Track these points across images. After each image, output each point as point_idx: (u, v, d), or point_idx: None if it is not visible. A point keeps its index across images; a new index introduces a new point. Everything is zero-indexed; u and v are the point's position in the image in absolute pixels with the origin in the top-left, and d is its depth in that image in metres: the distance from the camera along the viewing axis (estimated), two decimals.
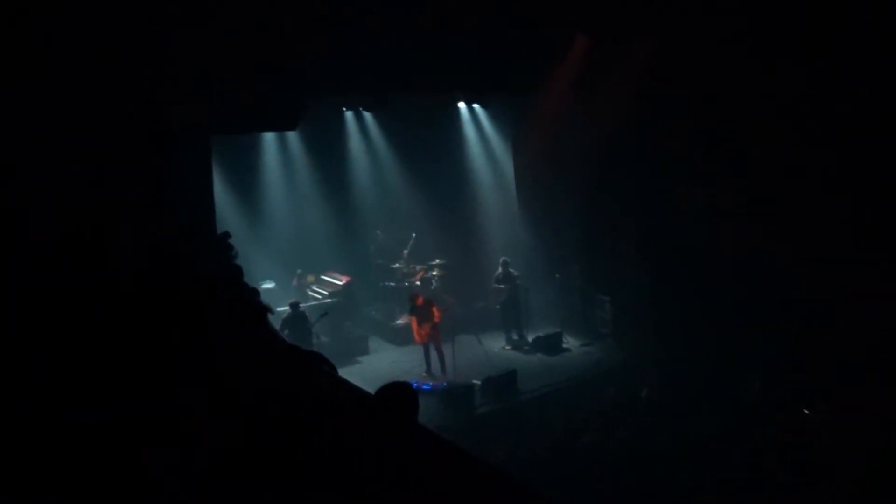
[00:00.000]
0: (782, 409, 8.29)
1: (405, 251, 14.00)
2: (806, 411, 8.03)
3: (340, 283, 13.49)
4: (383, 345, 13.47)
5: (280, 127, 11.59)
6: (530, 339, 13.06)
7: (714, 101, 10.03)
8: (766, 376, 9.15)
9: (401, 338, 13.34)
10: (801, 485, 6.27)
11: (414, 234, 14.05)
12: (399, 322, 13.70)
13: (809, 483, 6.21)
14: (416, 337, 11.37)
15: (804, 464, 6.61)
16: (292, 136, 13.43)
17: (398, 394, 3.42)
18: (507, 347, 13.07)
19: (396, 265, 14.08)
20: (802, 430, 7.56)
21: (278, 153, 13.55)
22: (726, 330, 10.24)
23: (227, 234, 8.50)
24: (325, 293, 13.35)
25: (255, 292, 4.73)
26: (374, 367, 12.22)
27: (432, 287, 13.56)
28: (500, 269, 13.13)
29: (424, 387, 10.83)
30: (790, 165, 9.26)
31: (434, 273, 13.90)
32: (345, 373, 4.31)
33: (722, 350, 10.08)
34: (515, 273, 13.21)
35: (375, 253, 14.45)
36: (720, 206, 10.44)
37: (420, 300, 11.17)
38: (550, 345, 12.79)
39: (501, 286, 13.07)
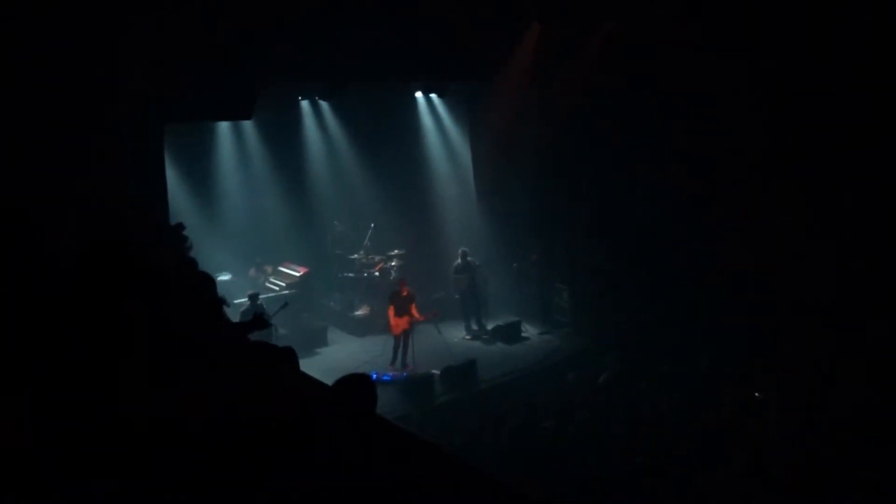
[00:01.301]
0: (732, 389, 8.48)
1: (365, 241, 13.97)
2: (756, 394, 8.24)
3: (298, 274, 13.39)
4: (342, 336, 13.43)
5: (235, 115, 11.38)
6: (489, 327, 13.15)
7: (668, 88, 10.28)
8: (716, 354, 9.37)
9: (360, 329, 13.39)
10: (752, 467, 6.37)
11: (373, 225, 14.01)
12: (359, 313, 13.73)
13: (760, 465, 6.33)
14: (392, 327, 11.30)
15: (755, 447, 6.72)
16: (248, 126, 13.24)
17: (356, 385, 3.37)
18: (467, 337, 13.15)
19: (355, 256, 14.04)
20: (752, 412, 7.74)
21: (234, 143, 13.37)
22: (679, 311, 10.53)
23: (181, 226, 8.28)
24: (283, 284, 13.25)
25: (211, 282, 4.60)
26: (333, 358, 12.16)
27: (391, 278, 13.50)
28: (459, 259, 13.18)
29: (385, 378, 10.81)
30: (737, 150, 9.73)
31: (393, 263, 13.88)
32: (304, 365, 4.20)
33: (675, 331, 10.31)
34: (475, 262, 13.27)
35: (333, 243, 14.33)
36: (670, 190, 10.74)
37: (405, 290, 11.13)
38: (510, 333, 12.86)
39: (461, 276, 13.13)
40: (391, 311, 11.36)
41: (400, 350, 11.33)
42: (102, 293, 3.31)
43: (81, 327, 2.98)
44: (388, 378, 10.89)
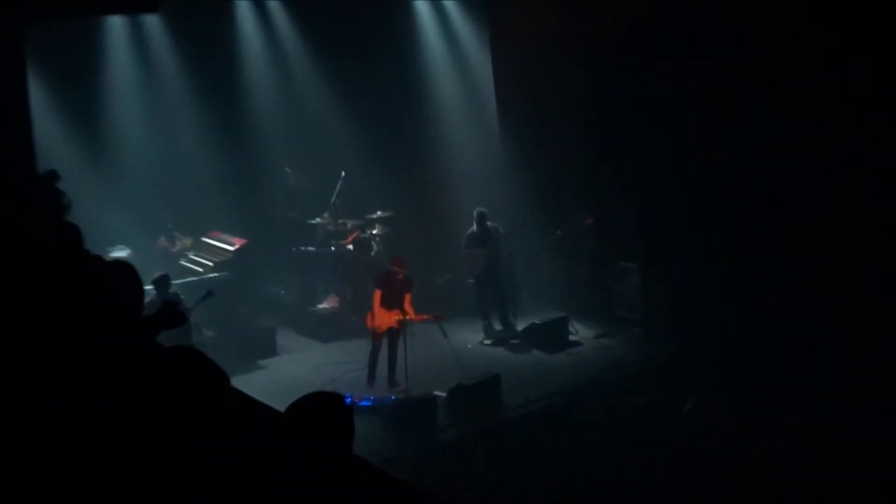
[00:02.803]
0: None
1: (333, 199, 14.15)
2: None
3: (231, 248, 13.70)
4: (299, 341, 13.67)
5: (134, 6, 11.48)
6: (520, 328, 13.33)
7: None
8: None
9: (326, 329, 13.61)
10: None
11: (343, 174, 14.13)
12: (323, 306, 13.88)
13: None
14: (377, 323, 11.57)
15: None
16: (155, 30, 13.37)
17: (322, 411, 3.45)
18: (487, 342, 13.34)
19: (317, 220, 14.21)
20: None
21: (134, 56, 13.53)
22: (801, 306, 10.98)
23: (52, 176, 8.36)
24: (209, 264, 13.54)
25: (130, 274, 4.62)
26: (285, 374, 12.32)
27: (372, 253, 13.77)
28: (474, 226, 13.28)
29: (364, 403, 11.04)
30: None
31: (374, 232, 14.02)
32: (241, 384, 4.48)
33: (795, 338, 10.79)
34: (498, 229, 13.41)
35: (285, 202, 14.65)
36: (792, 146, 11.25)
37: (401, 273, 11.49)
38: (550, 336, 13.04)
39: (477, 250, 13.26)
40: (377, 300, 11.52)
41: (382, 359, 11.65)
42: None
43: None
44: (369, 403, 11.07)
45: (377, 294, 11.55)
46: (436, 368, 11.88)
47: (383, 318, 11.59)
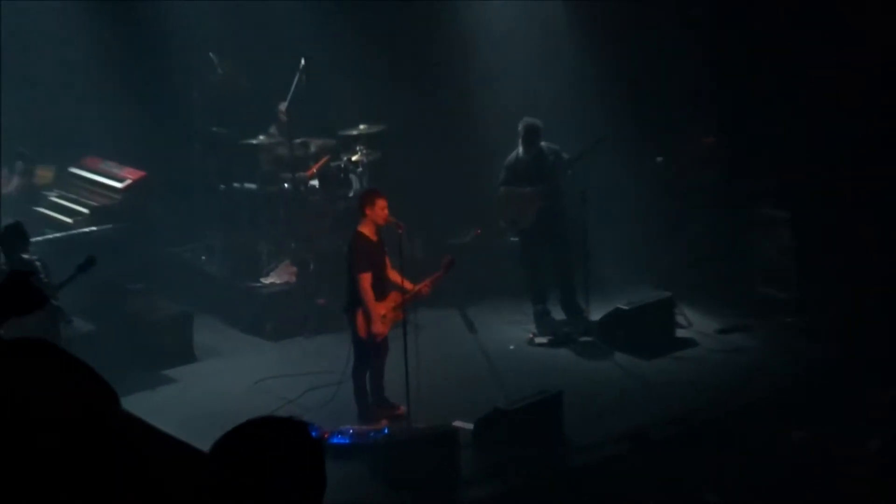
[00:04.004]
0: None
1: (283, 105, 14.23)
2: None
3: (119, 185, 13.88)
4: (230, 338, 13.86)
5: None
6: (595, 317, 13.40)
7: None
8: None
9: (275, 320, 13.80)
10: None
11: (304, 62, 14.09)
12: (271, 281, 14.04)
13: None
14: (379, 328, 11.58)
15: None
16: None
17: (272, 452, 3.58)
18: (540, 339, 13.34)
19: (260, 139, 14.33)
20: None
21: None
22: None
23: None
24: (83, 210, 13.71)
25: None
26: (209, 392, 12.43)
27: (351, 194, 13.94)
28: (518, 149, 13.32)
29: (337, 439, 11.09)
30: None
31: (355, 159, 14.11)
32: (139, 407, 4.37)
33: None
34: (562, 155, 13.49)
35: (206, 110, 14.82)
36: None
37: (401, 226, 11.58)
38: (645, 330, 13.08)
39: (524, 189, 13.26)
40: (367, 287, 11.49)
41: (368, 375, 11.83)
42: None
43: None
44: (348, 439, 11.10)
45: (365, 278, 11.42)
46: (455, 382, 12.04)
47: (384, 314, 11.58)
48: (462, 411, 11.41)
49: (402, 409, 11.46)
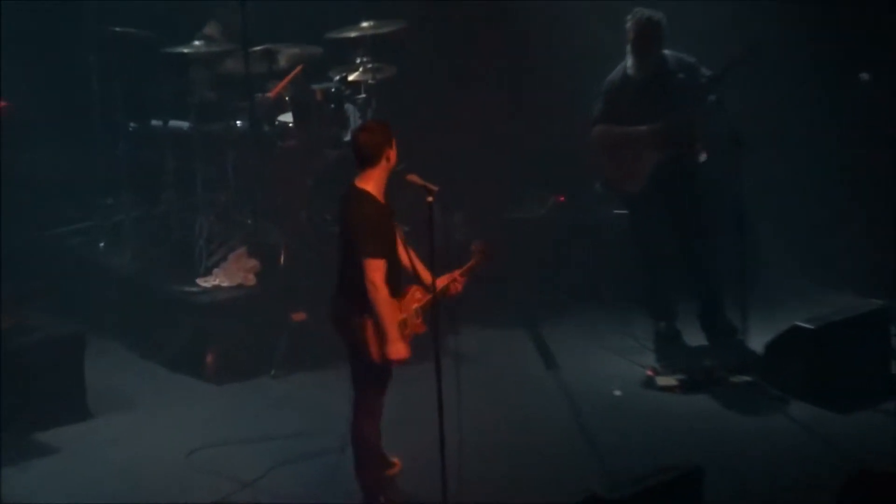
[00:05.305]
0: None
1: None
2: None
3: None
4: (148, 377, 11.77)
5: None
6: (758, 340, 11.35)
7: None
8: None
9: (225, 352, 11.67)
10: None
11: None
12: (215, 281, 11.93)
13: None
14: (397, 347, 9.13)
15: None
16: None
17: None
18: (666, 381, 11.21)
19: (195, 45, 12.41)
20: None
21: None
22: None
23: None
24: None
25: None
26: (112, 470, 10.01)
27: (347, 136, 11.78)
28: (626, 62, 11.40)
29: None
30: None
31: (354, 78, 12.14)
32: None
33: None
34: (699, 70, 11.42)
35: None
36: None
37: (432, 192, 9.20)
38: (841, 359, 10.76)
39: (638, 130, 11.42)
40: (381, 284, 9.23)
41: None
42: None
43: None
44: None
45: (377, 267, 9.01)
46: (521, 450, 9.67)
47: (404, 318, 9.18)
48: (533, 499, 8.99)
49: (398, 464, 9.25)
